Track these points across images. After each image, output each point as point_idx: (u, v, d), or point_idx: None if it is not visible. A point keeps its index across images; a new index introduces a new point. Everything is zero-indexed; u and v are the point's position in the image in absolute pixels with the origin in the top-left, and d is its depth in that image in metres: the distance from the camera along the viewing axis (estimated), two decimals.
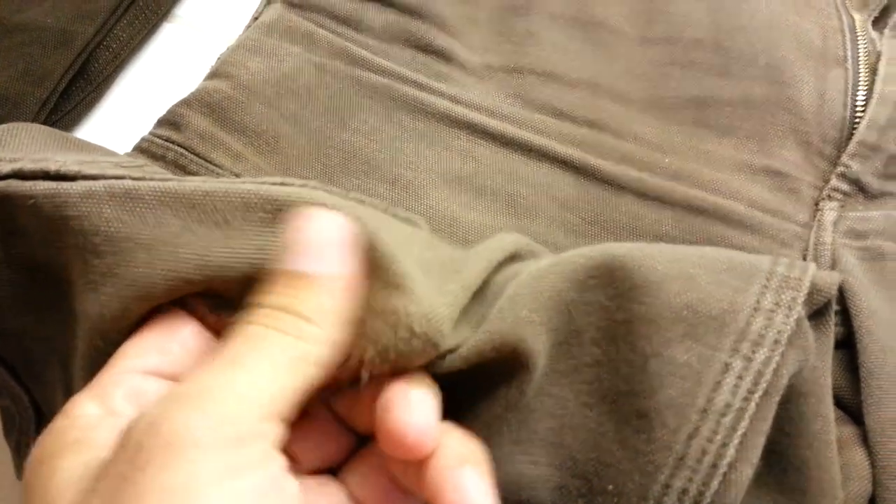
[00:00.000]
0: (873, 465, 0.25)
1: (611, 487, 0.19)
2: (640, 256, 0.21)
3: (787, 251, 0.31)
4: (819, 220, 0.31)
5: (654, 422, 0.19)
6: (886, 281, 0.29)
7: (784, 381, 0.20)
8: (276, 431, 0.18)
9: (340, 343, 0.20)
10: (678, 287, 0.20)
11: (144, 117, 0.35)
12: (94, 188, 0.23)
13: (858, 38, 0.35)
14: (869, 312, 0.28)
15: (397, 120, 0.35)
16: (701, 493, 0.18)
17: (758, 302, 0.20)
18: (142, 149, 0.33)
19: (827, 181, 0.32)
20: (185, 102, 0.34)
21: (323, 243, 0.20)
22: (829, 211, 0.32)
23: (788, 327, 0.20)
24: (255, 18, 0.39)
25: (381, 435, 0.19)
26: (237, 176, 0.33)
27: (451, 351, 0.20)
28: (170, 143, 0.33)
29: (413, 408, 0.19)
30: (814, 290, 0.22)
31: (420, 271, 0.21)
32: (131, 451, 0.17)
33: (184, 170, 0.32)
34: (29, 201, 0.23)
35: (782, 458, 0.21)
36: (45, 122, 0.36)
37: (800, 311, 0.20)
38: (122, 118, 0.39)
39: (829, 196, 0.32)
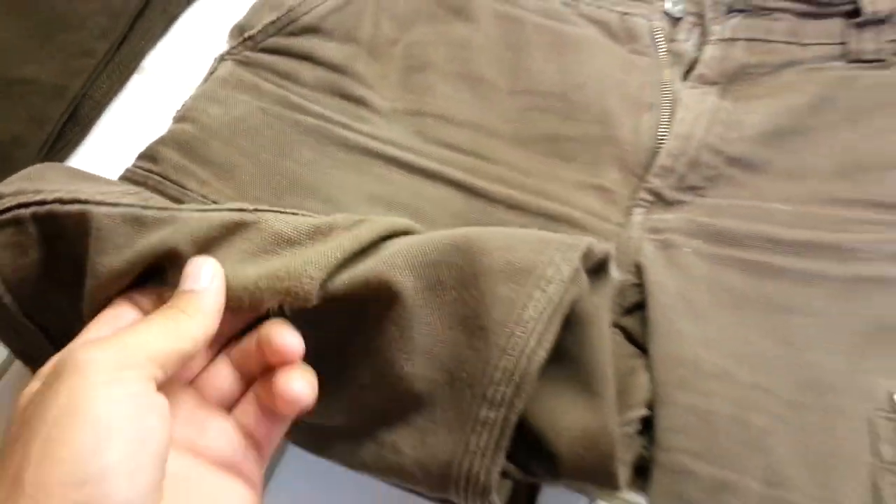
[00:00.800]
0: (652, 382, 0.38)
1: (464, 375, 0.31)
2: (481, 233, 0.33)
3: (608, 243, 0.43)
4: (630, 222, 0.44)
5: (489, 331, 0.30)
6: (672, 263, 0.42)
7: (566, 305, 0.32)
8: (153, 371, 0.27)
9: (208, 330, 0.30)
10: (503, 252, 0.32)
11: (121, 152, 0.45)
12: (112, 212, 0.33)
13: (665, 90, 0.48)
14: (656, 284, 0.41)
15: (328, 153, 0.46)
16: (515, 368, 0.30)
17: (550, 259, 0.32)
18: (127, 178, 0.43)
19: (637, 194, 0.45)
20: (161, 141, 0.44)
21: (200, 275, 0.31)
22: (638, 215, 0.44)
23: (567, 273, 0.32)
24: (211, 73, 0.49)
25: (268, 349, 0.31)
26: (204, 197, 0.43)
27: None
28: (150, 173, 0.43)
29: (286, 329, 0.31)
30: (589, 253, 0.34)
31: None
32: (54, 373, 0.27)
33: (162, 193, 0.42)
34: (67, 219, 0.33)
35: (574, 358, 0.33)
36: (44, 158, 0.46)
37: (576, 264, 0.32)
38: (103, 154, 0.48)
39: (638, 204, 0.45)
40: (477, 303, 0.31)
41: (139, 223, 0.33)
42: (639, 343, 0.40)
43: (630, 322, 0.41)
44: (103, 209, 0.33)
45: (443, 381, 0.31)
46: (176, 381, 0.31)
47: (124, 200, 0.34)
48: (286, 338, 0.31)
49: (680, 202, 0.45)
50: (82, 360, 0.26)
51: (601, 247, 0.35)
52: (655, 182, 0.45)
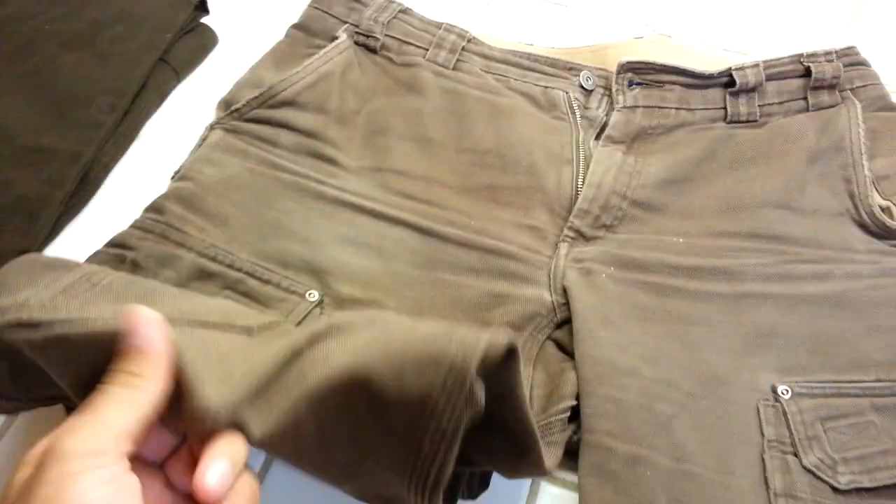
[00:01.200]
0: (578, 379, 0.47)
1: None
2: (371, 362, 0.33)
3: (539, 272, 0.52)
4: (557, 254, 0.54)
5: (397, 462, 0.34)
6: (591, 285, 0.52)
7: (462, 428, 0.32)
8: (123, 448, 0.30)
9: (163, 388, 0.32)
10: (395, 382, 0.32)
11: (123, 207, 0.53)
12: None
13: (581, 147, 0.59)
14: (579, 302, 0.50)
15: (306, 203, 0.55)
16: (427, 484, 0.33)
17: (442, 385, 0.32)
18: (137, 226, 0.51)
19: (562, 231, 0.55)
20: (165, 196, 0.53)
21: (148, 331, 0.33)
22: (563, 247, 0.54)
23: (459, 405, 0.32)
24: (203, 139, 0.58)
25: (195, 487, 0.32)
26: (203, 241, 0.51)
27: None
28: (157, 222, 0.51)
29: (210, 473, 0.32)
30: (486, 356, 0.32)
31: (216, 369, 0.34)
32: (40, 463, 0.29)
33: (167, 238, 0.50)
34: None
35: (502, 427, 0.37)
36: (61, 214, 0.53)
37: (468, 387, 0.32)
38: (108, 209, 0.56)
39: (563, 240, 0.55)
40: (386, 431, 0.34)
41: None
42: (568, 351, 0.50)
43: (561, 334, 0.50)
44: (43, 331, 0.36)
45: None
46: (148, 464, 0.34)
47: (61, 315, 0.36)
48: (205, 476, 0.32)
49: (596, 237, 0.55)
50: (60, 451, 0.29)
51: (500, 343, 0.34)
52: (576, 222, 0.55)
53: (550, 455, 0.43)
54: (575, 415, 0.47)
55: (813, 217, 0.55)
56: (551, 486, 0.47)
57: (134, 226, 0.51)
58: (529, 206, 0.56)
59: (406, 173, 0.57)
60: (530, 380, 0.47)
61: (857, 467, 0.45)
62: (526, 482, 0.47)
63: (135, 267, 0.48)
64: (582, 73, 0.62)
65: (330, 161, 0.57)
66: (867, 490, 0.44)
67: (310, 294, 0.50)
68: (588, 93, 0.62)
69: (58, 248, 0.53)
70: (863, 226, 0.55)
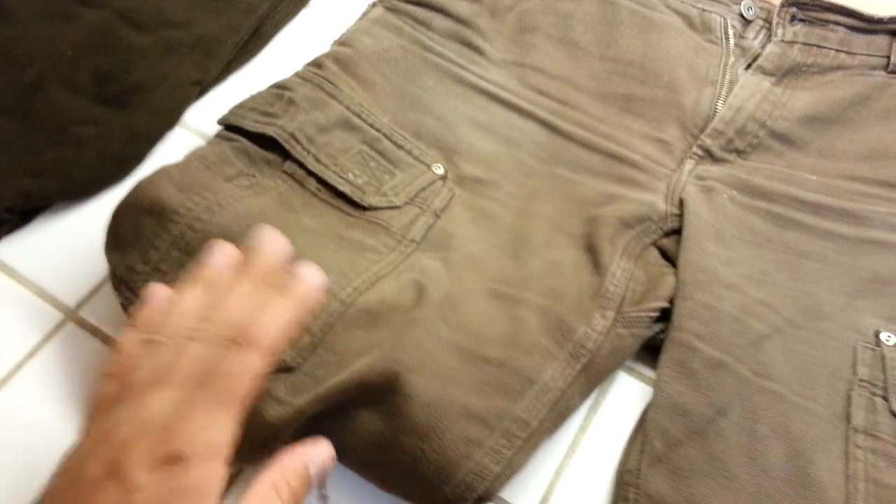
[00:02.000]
0: (677, 282, 0.48)
1: None
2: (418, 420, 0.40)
3: (659, 182, 0.53)
4: (681, 169, 0.54)
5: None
6: (710, 202, 0.52)
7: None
8: None
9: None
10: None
11: (286, 63, 0.58)
12: None
13: (727, 71, 0.58)
14: (693, 213, 0.51)
15: (445, 84, 0.58)
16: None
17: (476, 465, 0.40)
18: (298, 74, 0.56)
19: (690, 148, 0.55)
20: (325, 55, 0.57)
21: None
22: (689, 164, 0.54)
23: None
24: (365, 14, 0.62)
25: None
26: (352, 98, 0.55)
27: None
28: (315, 73, 0.56)
29: None
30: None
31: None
32: None
33: (322, 88, 0.55)
34: None
35: None
36: (232, 58, 0.59)
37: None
38: (273, 63, 0.61)
39: (690, 156, 0.55)
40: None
41: None
42: (672, 259, 0.50)
43: (667, 242, 0.51)
44: None
45: None
46: None
47: None
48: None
49: (725, 160, 0.55)
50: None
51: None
52: (707, 141, 0.55)
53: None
54: (665, 317, 0.48)
55: None
56: (629, 377, 0.49)
57: (296, 74, 0.56)
58: (662, 119, 0.56)
59: (545, 71, 0.59)
60: (628, 273, 0.48)
61: None
62: None
63: (290, 104, 0.53)
64: (743, 2, 0.61)
65: (476, 49, 0.60)
66: None
67: (436, 167, 0.53)
68: (747, 22, 0.61)
69: (227, 88, 0.59)
70: None
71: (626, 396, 0.47)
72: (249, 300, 0.34)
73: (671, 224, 0.52)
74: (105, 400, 0.32)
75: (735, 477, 0.42)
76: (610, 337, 0.45)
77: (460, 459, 0.39)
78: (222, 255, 0.36)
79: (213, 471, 0.30)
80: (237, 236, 0.42)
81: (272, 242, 0.36)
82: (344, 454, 0.41)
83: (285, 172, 0.51)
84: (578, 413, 0.47)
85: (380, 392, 0.41)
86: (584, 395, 0.45)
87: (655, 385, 0.45)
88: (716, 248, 0.50)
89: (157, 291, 0.35)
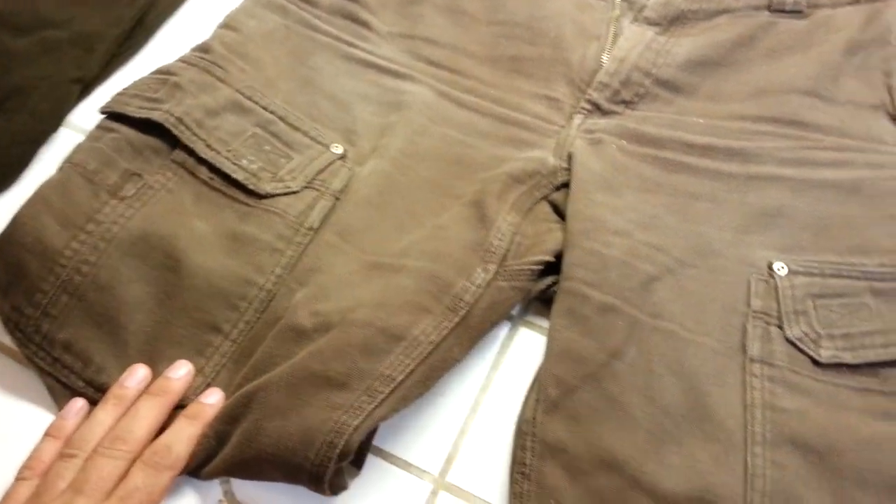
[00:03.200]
0: (565, 233, 0.48)
1: None
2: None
3: (548, 140, 0.53)
4: (570, 124, 0.54)
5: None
6: (598, 153, 0.52)
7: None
8: None
9: None
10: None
11: (178, 51, 0.57)
12: None
13: (613, 25, 0.58)
14: (581, 165, 0.51)
15: (335, 62, 0.58)
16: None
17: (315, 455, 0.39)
18: (183, 59, 0.55)
19: (579, 104, 0.55)
20: (211, 38, 0.56)
21: None
22: (577, 119, 0.55)
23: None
24: None
25: None
26: (243, 80, 0.54)
27: None
28: (201, 58, 0.55)
29: None
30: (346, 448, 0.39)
31: None
32: None
33: (210, 72, 0.54)
34: None
35: None
36: (115, 53, 0.58)
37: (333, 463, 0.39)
38: (162, 53, 0.61)
39: (579, 111, 0.55)
40: None
41: None
42: (562, 214, 0.51)
43: (558, 196, 0.51)
44: None
45: None
46: None
47: None
48: None
49: (613, 112, 0.55)
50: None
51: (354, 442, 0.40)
52: (594, 95, 0.55)
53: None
54: (557, 271, 0.48)
55: (843, 107, 0.53)
56: (527, 330, 0.49)
57: (180, 59, 0.55)
58: (550, 77, 0.57)
59: (434, 41, 0.59)
60: (514, 227, 0.48)
61: (841, 343, 0.44)
62: (504, 327, 0.49)
63: (176, 88, 0.52)
64: None
65: (363, 24, 0.59)
66: (847, 366, 0.44)
67: (335, 147, 0.53)
68: None
69: (113, 85, 0.58)
70: None
71: (527, 352, 0.47)
72: (157, 422, 0.42)
73: (561, 178, 0.52)
74: (19, 502, 0.39)
75: (633, 417, 0.42)
76: (490, 290, 0.45)
77: (321, 424, 0.39)
78: (135, 378, 0.44)
79: None
80: (125, 281, 0.46)
81: (179, 369, 0.44)
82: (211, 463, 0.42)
83: (174, 162, 0.50)
84: (479, 372, 0.47)
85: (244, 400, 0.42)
86: (465, 348, 0.45)
87: (548, 335, 0.45)
88: (604, 198, 0.50)
89: (76, 405, 0.44)
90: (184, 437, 0.42)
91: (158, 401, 0.43)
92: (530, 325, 0.49)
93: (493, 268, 0.46)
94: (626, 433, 0.42)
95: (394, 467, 0.44)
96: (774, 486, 0.40)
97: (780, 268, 0.47)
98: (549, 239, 0.48)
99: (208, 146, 0.50)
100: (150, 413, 0.42)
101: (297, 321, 0.44)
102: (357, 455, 0.43)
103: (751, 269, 0.48)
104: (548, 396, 0.43)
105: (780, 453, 0.41)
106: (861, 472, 0.40)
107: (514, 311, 0.49)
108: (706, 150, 0.52)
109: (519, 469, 0.42)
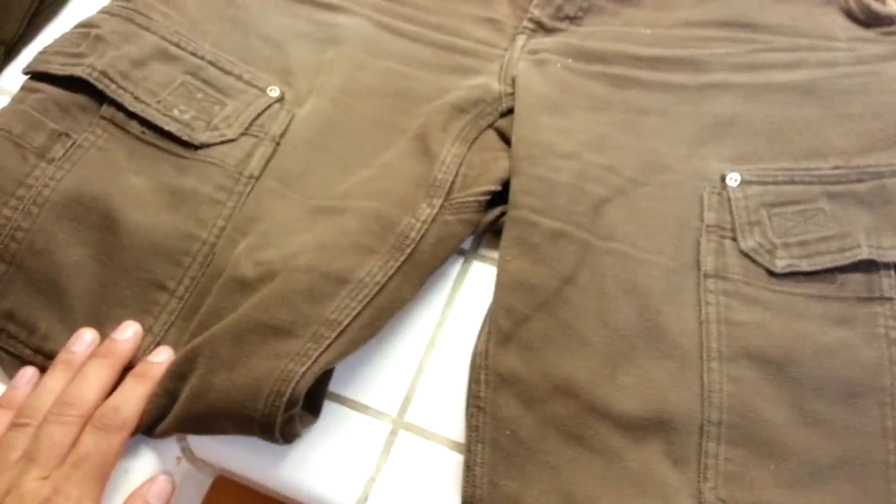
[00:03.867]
0: (511, 160, 0.47)
1: None
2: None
3: (492, 64, 0.51)
4: (513, 46, 0.52)
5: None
6: (543, 74, 0.50)
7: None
8: None
9: None
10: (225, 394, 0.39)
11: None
12: None
13: None
14: (525, 89, 0.49)
15: (266, 1, 0.55)
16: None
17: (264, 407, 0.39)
18: (104, 10, 0.52)
19: (521, 23, 0.53)
20: None
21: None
22: (520, 39, 0.52)
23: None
24: None
25: None
26: (168, 27, 0.52)
27: None
28: (123, 7, 0.52)
29: None
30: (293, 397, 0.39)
31: None
32: None
33: (132, 21, 0.51)
34: None
35: None
36: (36, 14, 0.56)
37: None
38: (89, 8, 0.58)
39: (521, 31, 0.53)
40: None
41: None
42: (509, 140, 0.49)
43: (503, 123, 0.50)
44: None
45: None
46: None
47: None
48: None
49: (557, 29, 0.53)
50: None
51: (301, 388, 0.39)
52: (536, 12, 0.53)
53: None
54: (504, 201, 0.47)
55: (794, 4, 0.51)
56: (480, 263, 0.48)
57: (101, 10, 0.53)
58: None
59: None
60: (460, 158, 0.47)
61: (797, 252, 0.43)
62: (457, 262, 0.48)
63: (98, 41, 0.50)
64: None
65: None
66: (804, 274, 0.43)
67: (271, 89, 0.51)
68: None
69: (39, 44, 0.55)
70: (849, 13, 0.50)
71: (481, 286, 0.47)
72: (107, 384, 0.42)
73: (506, 104, 0.50)
74: None
75: (588, 341, 0.42)
76: (437, 225, 0.44)
77: (267, 373, 0.39)
78: (83, 343, 0.43)
79: None
80: (62, 245, 0.45)
81: (126, 330, 0.43)
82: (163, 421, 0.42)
83: (103, 118, 0.49)
84: (434, 309, 0.46)
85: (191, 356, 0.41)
86: (415, 287, 0.44)
87: (498, 266, 0.44)
88: (550, 120, 0.48)
89: (26, 374, 0.43)
90: (132, 397, 0.41)
91: (107, 363, 0.42)
92: (483, 258, 0.48)
93: (438, 202, 0.45)
94: (581, 358, 0.41)
95: (351, 411, 0.44)
96: (731, 401, 0.40)
97: (733, 179, 0.46)
98: (495, 168, 0.47)
99: (136, 98, 0.49)
100: (98, 376, 0.42)
101: (241, 272, 0.43)
102: (313, 402, 0.43)
103: (704, 183, 0.46)
104: (500, 328, 0.42)
105: (736, 367, 0.41)
106: (818, 380, 0.40)
107: (467, 245, 0.48)
108: (655, 62, 0.51)
109: (474, 402, 0.41)
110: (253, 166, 0.48)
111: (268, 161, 0.48)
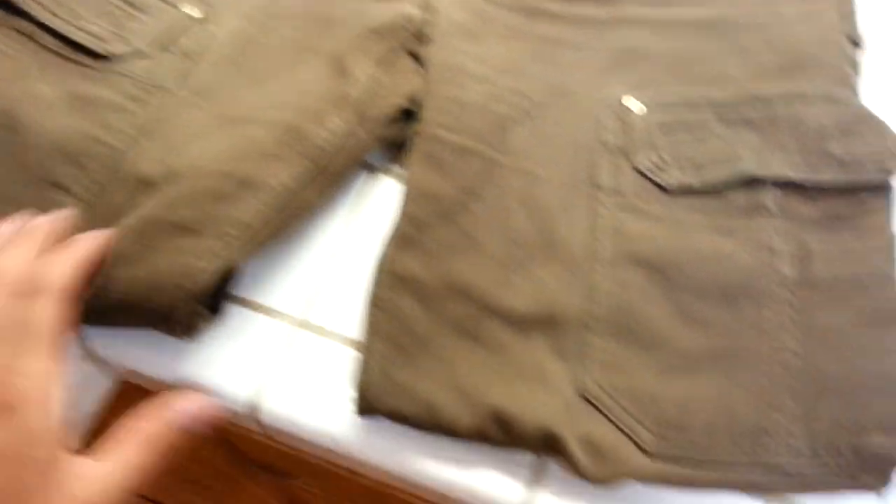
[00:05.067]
0: (424, 81, 0.48)
1: None
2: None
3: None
4: None
5: None
6: (463, 4, 0.52)
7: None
8: None
9: None
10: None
11: None
12: None
13: None
14: (444, 16, 0.51)
15: None
16: None
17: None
18: None
19: None
20: None
21: None
22: None
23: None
24: None
25: None
26: None
27: None
28: None
29: None
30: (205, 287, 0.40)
31: None
32: None
33: None
34: None
35: None
36: None
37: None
38: None
39: None
40: None
41: None
42: (423, 66, 0.50)
43: (420, 49, 0.51)
44: None
45: None
46: None
47: None
48: None
49: None
50: None
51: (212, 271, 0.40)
52: None
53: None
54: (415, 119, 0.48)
55: None
56: (386, 177, 0.49)
57: None
58: None
59: None
60: (373, 78, 0.48)
61: (688, 170, 0.46)
62: (364, 175, 0.49)
63: None
64: None
65: None
66: (693, 191, 0.45)
67: (185, 7, 0.51)
68: None
69: None
70: None
71: (387, 199, 0.48)
72: (31, 254, 0.38)
73: (425, 31, 0.51)
74: None
75: (486, 249, 0.43)
76: (346, 137, 0.46)
77: (171, 268, 0.40)
78: (8, 223, 0.40)
79: (47, 414, 0.33)
80: None
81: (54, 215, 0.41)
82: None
83: (15, 29, 0.49)
84: (339, 218, 0.47)
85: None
86: (321, 195, 0.45)
87: (406, 179, 0.45)
88: (467, 46, 0.50)
89: None
90: (67, 262, 0.38)
91: (26, 238, 0.39)
92: (390, 172, 0.49)
93: (349, 116, 0.46)
94: (478, 264, 0.43)
95: (255, 313, 0.44)
96: (617, 301, 0.42)
97: (633, 103, 0.48)
98: (408, 86, 0.48)
99: (46, 9, 0.49)
100: (33, 251, 0.38)
101: (144, 171, 0.44)
102: (214, 302, 0.44)
103: (606, 108, 0.48)
104: (404, 234, 0.44)
105: (623, 271, 0.42)
106: (699, 283, 0.42)
107: (375, 160, 0.49)
108: None
109: (374, 302, 0.42)
110: (166, 79, 0.48)
111: (182, 76, 0.49)
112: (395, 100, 0.47)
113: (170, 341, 0.42)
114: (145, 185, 0.44)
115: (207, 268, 0.40)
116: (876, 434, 0.38)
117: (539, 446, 0.38)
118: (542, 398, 0.39)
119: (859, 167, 0.45)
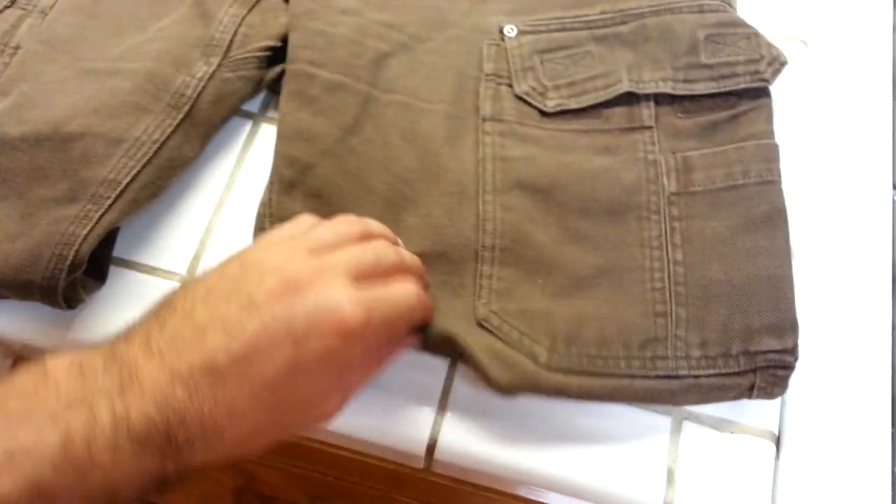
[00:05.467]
0: (289, 16, 0.47)
1: None
2: None
3: None
4: None
5: None
6: None
7: None
8: None
9: None
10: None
11: None
12: None
13: None
14: None
15: None
16: None
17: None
18: None
19: None
20: None
21: None
22: None
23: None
24: None
25: None
26: None
27: None
28: None
29: None
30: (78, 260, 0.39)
31: None
32: None
33: None
34: None
35: None
36: None
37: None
38: None
39: None
40: None
41: None
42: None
43: None
44: None
45: None
46: None
47: None
48: None
49: None
50: None
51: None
52: None
53: None
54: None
55: None
56: (269, 126, 0.48)
57: None
58: None
59: None
60: (238, 18, 0.46)
61: (566, 92, 0.46)
62: (246, 124, 0.48)
63: None
64: None
65: None
66: (572, 112, 0.45)
67: None
68: None
69: None
70: None
71: (270, 148, 0.46)
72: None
73: None
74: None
75: (372, 188, 0.43)
76: (215, 83, 0.44)
77: (48, 238, 0.38)
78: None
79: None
80: None
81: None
82: None
83: None
84: (222, 171, 0.46)
85: None
86: (196, 146, 0.44)
87: (278, 119, 0.44)
88: None
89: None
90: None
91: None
92: (272, 120, 0.48)
93: (215, 60, 0.45)
94: (366, 204, 0.42)
95: (141, 274, 0.43)
96: (503, 227, 0.42)
97: (510, 30, 0.48)
98: (275, 25, 0.47)
99: None
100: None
101: (2, 130, 0.42)
102: (99, 268, 0.42)
103: (483, 36, 0.48)
104: (283, 177, 0.43)
105: (508, 197, 0.43)
106: (583, 201, 0.43)
107: (256, 109, 0.48)
108: None
109: None
110: (20, 37, 0.46)
111: (34, 30, 0.46)
112: (264, 41, 0.46)
113: (59, 311, 0.40)
114: (9, 147, 0.41)
115: (87, 234, 0.39)
116: (766, 337, 0.38)
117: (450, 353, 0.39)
118: (442, 323, 0.39)
119: (733, 76, 0.45)
